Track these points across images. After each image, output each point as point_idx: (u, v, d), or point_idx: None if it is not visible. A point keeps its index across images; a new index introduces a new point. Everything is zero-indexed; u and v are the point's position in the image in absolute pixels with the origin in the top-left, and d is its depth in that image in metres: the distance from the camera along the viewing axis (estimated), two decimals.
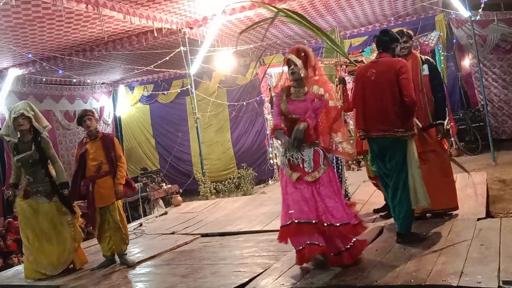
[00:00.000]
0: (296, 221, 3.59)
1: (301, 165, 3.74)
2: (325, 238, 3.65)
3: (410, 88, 3.93)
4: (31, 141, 4.96)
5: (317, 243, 3.60)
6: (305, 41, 11.33)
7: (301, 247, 3.66)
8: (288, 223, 3.64)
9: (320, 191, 3.70)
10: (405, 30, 4.78)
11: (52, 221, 4.98)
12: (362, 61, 5.66)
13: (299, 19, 4.33)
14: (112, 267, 4.99)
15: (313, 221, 3.59)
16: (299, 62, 3.77)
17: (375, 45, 4.39)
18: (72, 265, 5.07)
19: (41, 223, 4.97)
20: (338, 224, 3.61)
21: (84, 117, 5.00)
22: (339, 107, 4.03)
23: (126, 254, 5.06)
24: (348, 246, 3.70)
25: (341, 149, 3.95)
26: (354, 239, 3.74)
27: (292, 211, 3.64)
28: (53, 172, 5.05)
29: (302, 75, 3.78)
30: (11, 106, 10.39)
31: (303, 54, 3.81)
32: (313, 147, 3.79)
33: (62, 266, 4.97)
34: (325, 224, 3.61)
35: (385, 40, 4.12)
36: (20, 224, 5.08)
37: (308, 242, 3.61)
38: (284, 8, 4.66)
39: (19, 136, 4.94)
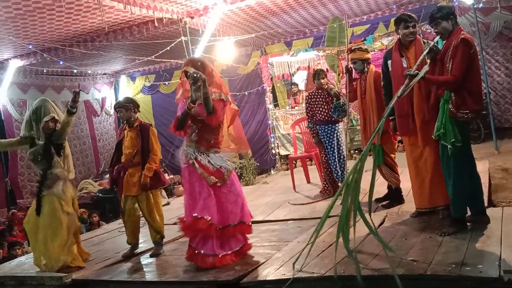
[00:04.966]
0: None
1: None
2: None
3: None
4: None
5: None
6: (307, 29, 11.28)
7: None
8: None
9: None
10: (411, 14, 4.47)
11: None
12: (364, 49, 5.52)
13: None
14: (114, 258, 5.00)
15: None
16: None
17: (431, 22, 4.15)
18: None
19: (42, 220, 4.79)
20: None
21: (116, 108, 5.21)
22: (236, 109, 4.49)
23: (160, 243, 5.03)
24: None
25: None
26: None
27: None
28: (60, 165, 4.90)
29: None
30: (13, 98, 10.57)
31: (199, 64, 4.14)
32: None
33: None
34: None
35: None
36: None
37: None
38: None
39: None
